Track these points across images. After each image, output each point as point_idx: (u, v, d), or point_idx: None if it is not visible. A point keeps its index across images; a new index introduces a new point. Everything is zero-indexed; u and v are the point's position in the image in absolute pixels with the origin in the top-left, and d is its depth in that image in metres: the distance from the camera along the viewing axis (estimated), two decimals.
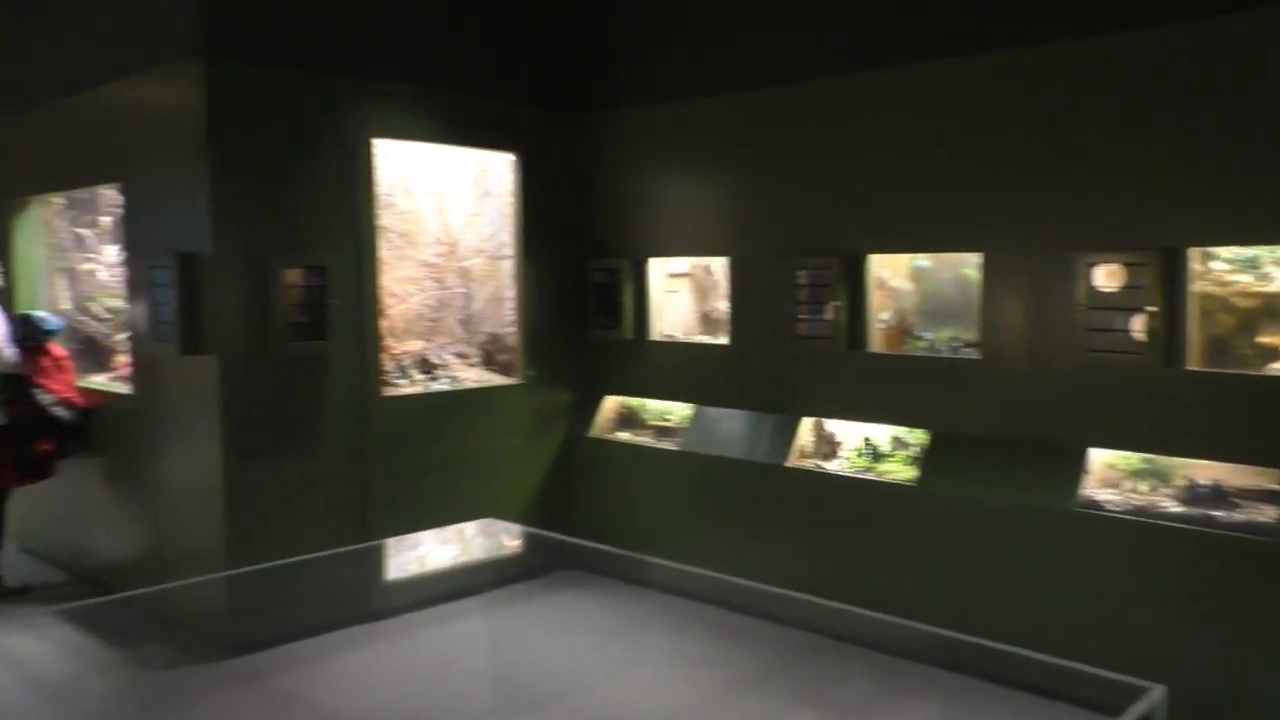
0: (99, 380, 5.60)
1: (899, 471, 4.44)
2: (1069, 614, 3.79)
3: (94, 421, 5.28)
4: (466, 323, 5.68)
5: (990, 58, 4.09)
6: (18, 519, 6.01)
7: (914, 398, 4.37)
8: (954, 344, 4.38)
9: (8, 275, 5.65)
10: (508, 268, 5.63)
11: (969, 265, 4.34)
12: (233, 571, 4.32)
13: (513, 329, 5.64)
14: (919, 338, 4.53)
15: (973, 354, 4.26)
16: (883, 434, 4.62)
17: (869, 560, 4.37)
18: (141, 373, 4.95)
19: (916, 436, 4.48)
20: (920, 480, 4.27)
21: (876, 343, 4.56)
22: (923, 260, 4.56)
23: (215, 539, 4.44)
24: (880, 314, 4.59)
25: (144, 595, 4.73)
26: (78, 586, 5.47)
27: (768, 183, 4.89)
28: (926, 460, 4.30)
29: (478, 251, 5.66)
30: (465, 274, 5.64)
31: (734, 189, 5.06)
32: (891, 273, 4.62)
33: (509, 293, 5.64)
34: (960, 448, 4.21)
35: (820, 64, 4.64)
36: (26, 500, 5.94)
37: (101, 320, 5.90)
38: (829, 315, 4.52)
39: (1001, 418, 4.11)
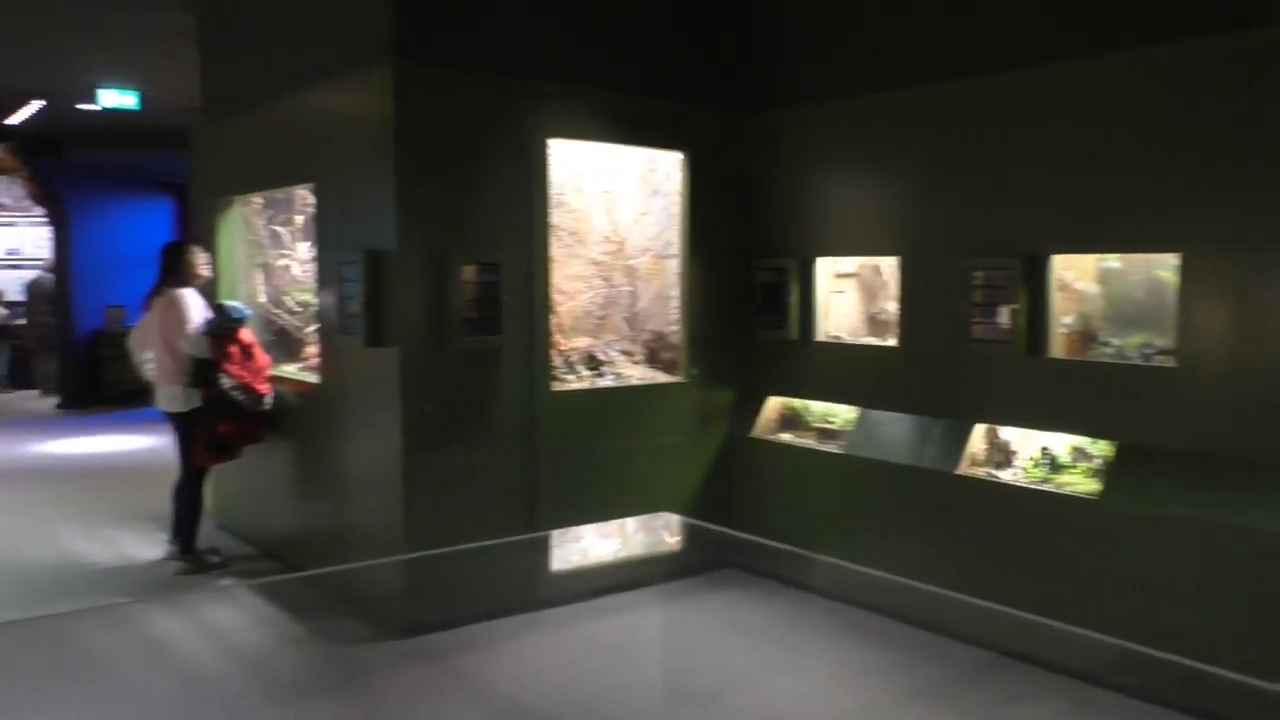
0: (290, 369, 5.96)
1: (1080, 484, 4.23)
2: (1277, 642, 3.52)
3: (268, 407, 5.60)
4: (632, 320, 5.75)
5: (1196, 42, 3.83)
6: (215, 497, 6.50)
7: (1099, 407, 4.15)
8: (1145, 350, 4.14)
9: (213, 269, 6.06)
10: (673, 266, 5.66)
11: (1163, 267, 4.09)
12: (412, 555, 4.52)
13: (677, 327, 5.67)
14: (1105, 343, 4.30)
15: (1166, 361, 4.00)
16: (1061, 444, 4.41)
17: (1045, 576, 4.18)
18: (329, 363, 5.24)
19: (1100, 448, 4.26)
20: (1105, 494, 4.05)
21: (1058, 348, 4.36)
22: (1112, 261, 4.32)
23: (394, 522, 4.65)
24: (1063, 318, 4.37)
25: (329, 574, 5.03)
26: (265, 562, 5.85)
27: (943, 179, 4.74)
28: (1112, 473, 4.08)
29: (644, 250, 5.72)
30: (631, 272, 5.71)
31: (906, 186, 4.93)
32: (1076, 274, 4.39)
33: (674, 291, 5.67)
34: (1151, 461, 3.97)
35: (1002, 56, 4.46)
36: (222, 480, 6.40)
37: (293, 313, 6.28)
38: (1006, 318, 4.35)
39: (1198, 430, 3.85)
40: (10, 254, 14.67)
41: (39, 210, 13.21)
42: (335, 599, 5.06)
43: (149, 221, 12.19)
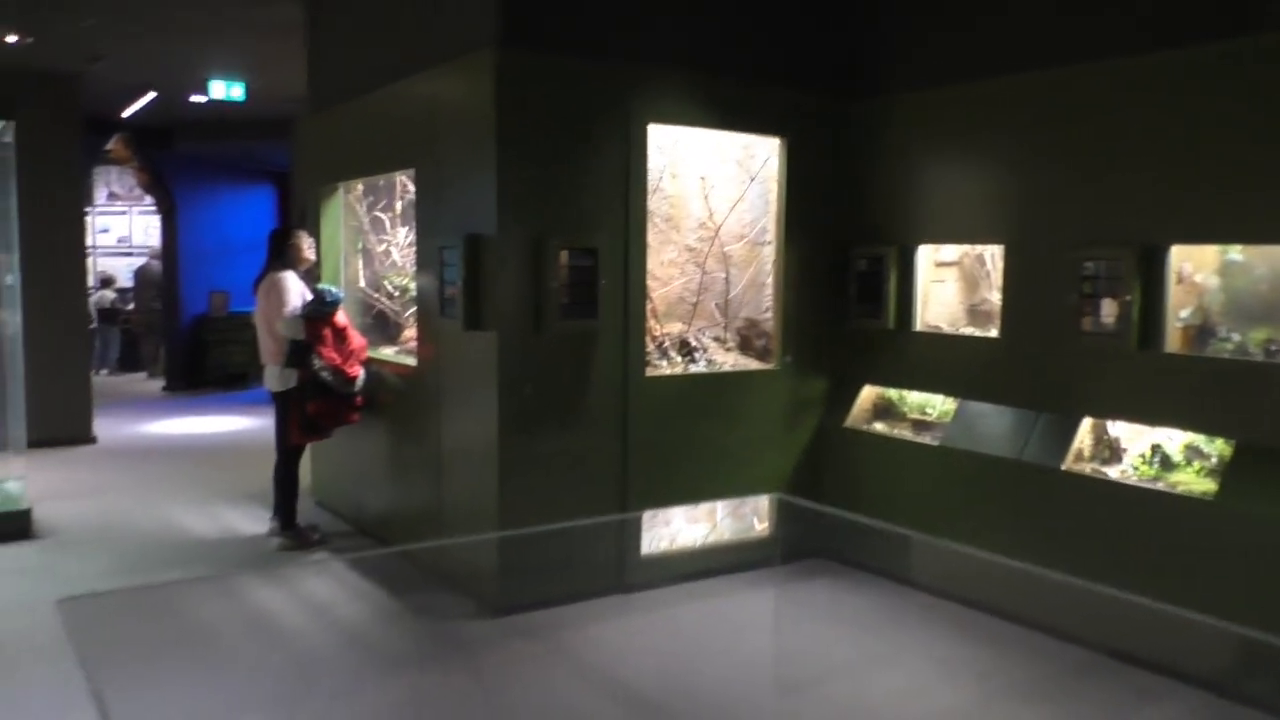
0: (387, 352, 6.09)
1: (1193, 483, 4.07)
2: None
3: (358, 390, 5.71)
4: (724, 307, 5.72)
5: None
6: (314, 476, 6.68)
7: (1217, 404, 3.98)
8: (1270, 347, 3.96)
9: (317, 253, 6.21)
10: (768, 253, 5.62)
11: None
12: (506, 533, 4.57)
13: (770, 314, 5.63)
14: (1225, 339, 4.13)
15: None
16: (1174, 441, 4.25)
17: (1155, 577, 4.03)
18: (427, 346, 5.34)
19: (1216, 446, 4.09)
20: (1221, 495, 3.89)
21: (1173, 342, 4.19)
22: (1235, 253, 4.14)
23: (488, 503, 4.72)
24: (1180, 311, 4.21)
25: (425, 549, 5.13)
26: (362, 539, 6.00)
27: (1053, 166, 4.59)
28: (1230, 472, 3.91)
29: (739, 237, 5.69)
30: (725, 259, 5.68)
31: (1014, 172, 4.79)
32: (1194, 266, 4.22)
33: (768, 278, 5.63)
34: (1271, 462, 3.79)
35: (1118, 39, 4.31)
36: (321, 459, 6.58)
37: (391, 297, 6.41)
38: (1118, 310, 4.20)
39: None
40: (121, 242, 15.30)
41: (148, 199, 13.75)
42: (431, 576, 5.15)
43: (252, 209, 12.61)
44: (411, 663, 4.28)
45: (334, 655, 4.38)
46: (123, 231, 15.34)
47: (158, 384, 12.82)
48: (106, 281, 14.13)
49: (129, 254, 15.07)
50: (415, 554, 5.34)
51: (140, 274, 13.92)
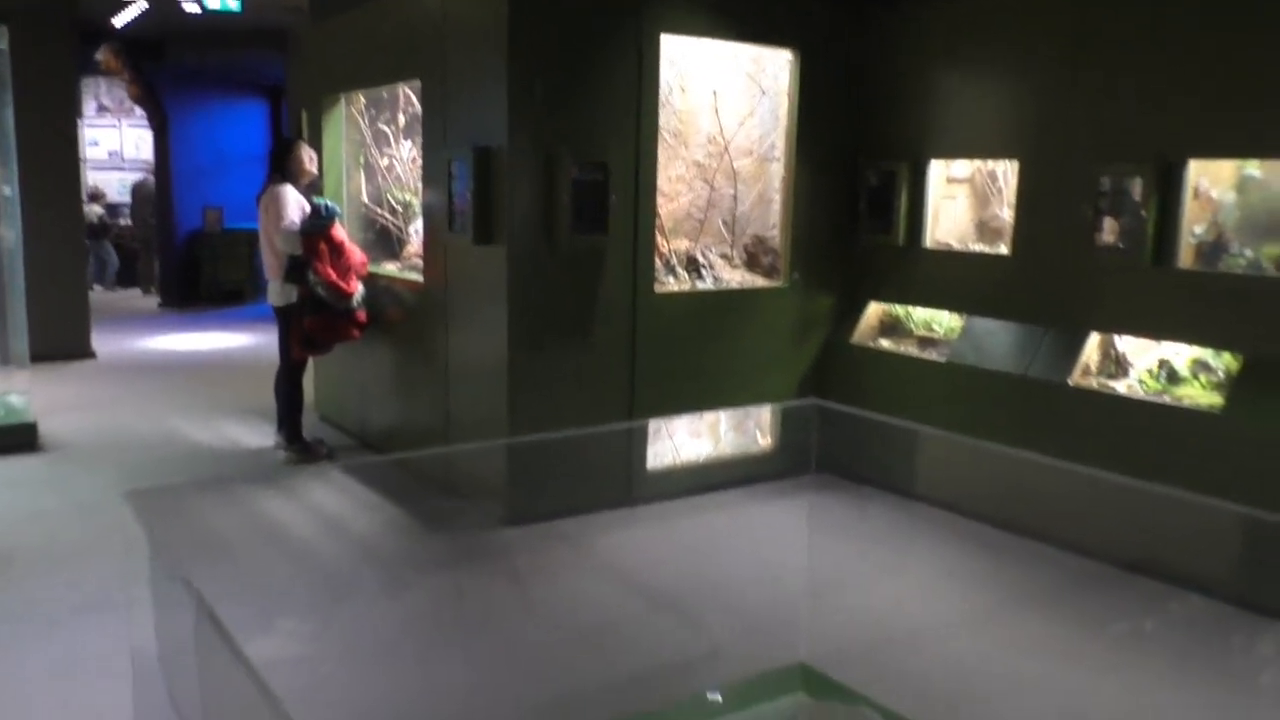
0: (390, 268, 6.06)
1: (1200, 397, 4.11)
2: None
3: (356, 306, 5.68)
4: (731, 224, 5.69)
5: None
6: (318, 391, 6.69)
7: (1228, 318, 4.00)
8: None
9: (319, 166, 6.13)
10: (776, 170, 5.56)
11: None
12: (511, 440, 4.60)
13: (776, 232, 5.60)
14: (1238, 255, 4.13)
15: None
16: (1181, 356, 4.28)
17: None
18: (434, 261, 5.30)
19: (1223, 361, 4.12)
20: (1227, 408, 3.93)
21: (1186, 259, 4.20)
22: (1253, 169, 4.12)
23: (497, 418, 4.74)
24: (1194, 227, 4.20)
25: (433, 464, 5.17)
26: (367, 454, 6.04)
27: (1069, 77, 4.53)
28: (1237, 386, 3.95)
29: (746, 153, 5.62)
30: (733, 175, 5.62)
31: (1030, 86, 4.73)
32: (1211, 181, 4.20)
33: (776, 195, 5.59)
34: (1279, 375, 3.83)
35: None
36: (325, 374, 6.59)
37: (394, 212, 6.35)
38: (1133, 226, 4.19)
39: None
40: (112, 156, 15.06)
41: (139, 112, 13.49)
42: (440, 489, 5.20)
43: (245, 124, 12.40)
44: (431, 571, 4.35)
45: (353, 565, 4.44)
46: (113, 145, 15.09)
47: (153, 301, 12.76)
48: (95, 196, 13.94)
49: (120, 169, 14.86)
50: (423, 468, 5.38)
51: (137, 190, 13.72)
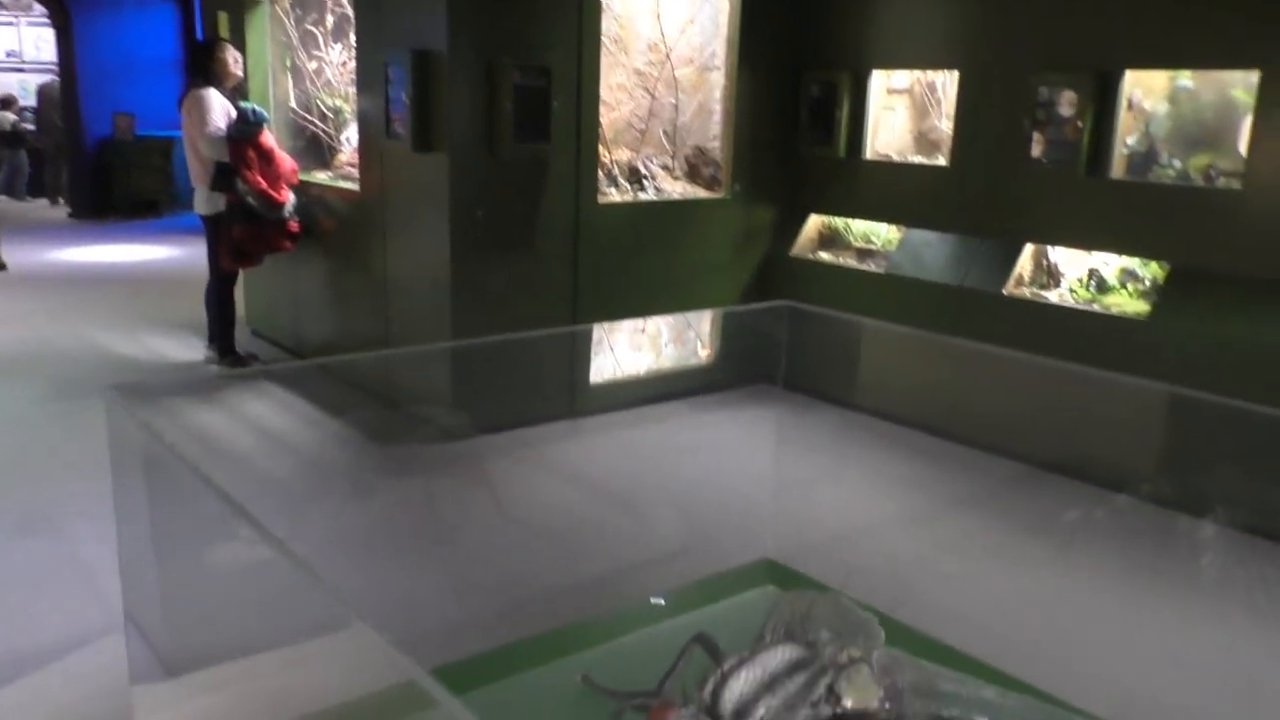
0: (321, 177, 5.89)
1: (1127, 305, 4.27)
2: None
3: (288, 215, 5.53)
4: (672, 135, 5.64)
5: None
6: (249, 304, 6.54)
7: (1156, 229, 4.14)
8: (1210, 172, 4.09)
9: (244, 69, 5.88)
10: (716, 79, 5.52)
11: (1239, 86, 3.99)
12: (456, 343, 4.57)
13: (717, 143, 5.58)
14: (1167, 166, 4.25)
15: (1232, 184, 3.97)
16: (1109, 266, 4.42)
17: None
18: (370, 169, 5.17)
19: (1150, 270, 4.28)
20: (1154, 315, 4.10)
21: (1118, 170, 4.31)
22: (1185, 79, 4.21)
23: (440, 330, 4.70)
24: (1126, 139, 4.30)
25: (376, 380, 5.11)
26: (299, 362, 5.95)
27: None
28: (1163, 294, 4.11)
29: (687, 61, 5.55)
30: (674, 84, 5.56)
31: None
32: (1144, 93, 4.30)
33: (717, 105, 5.55)
34: (1204, 283, 3.99)
35: None
36: (257, 286, 6.43)
37: (325, 119, 6.14)
38: (1069, 137, 4.28)
39: (1258, 255, 3.85)
40: (10, 56, 14.20)
41: (39, 9, 12.70)
42: (380, 402, 5.17)
43: (155, 25, 11.76)
44: (388, 479, 4.34)
45: (305, 476, 4.41)
46: (11, 44, 14.23)
47: (63, 212, 12.22)
48: (6, 102, 13.14)
49: (20, 70, 14.04)
50: (362, 381, 5.32)
51: (43, 92, 12.98)
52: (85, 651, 2.81)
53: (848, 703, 1.21)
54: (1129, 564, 3.55)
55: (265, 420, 5.07)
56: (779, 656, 1.22)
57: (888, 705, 1.23)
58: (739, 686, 1.18)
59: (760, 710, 1.17)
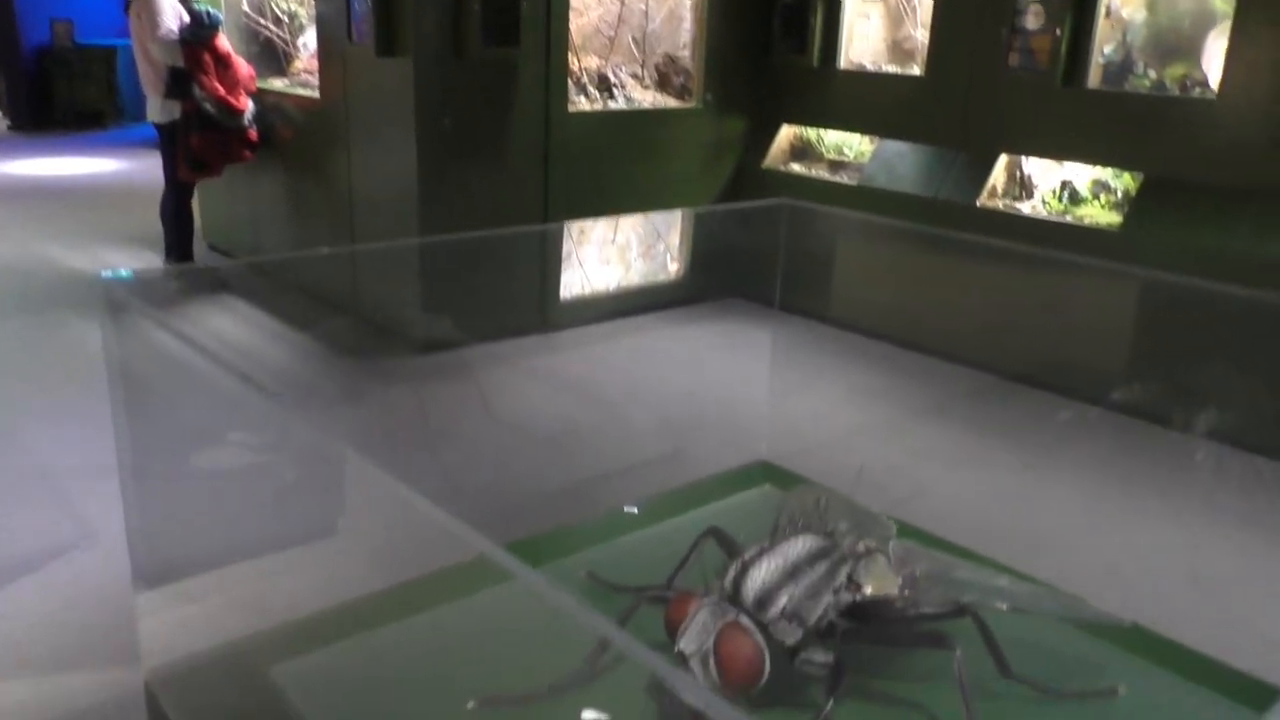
0: (277, 84, 5.68)
1: (1099, 216, 4.29)
2: None
3: (247, 124, 5.35)
4: (642, 42, 5.51)
5: None
6: (206, 218, 6.36)
7: (1131, 138, 4.13)
8: (1186, 82, 4.08)
9: None
10: None
11: None
12: (426, 239, 4.49)
13: (687, 51, 5.46)
14: (1143, 76, 4.23)
15: (1207, 94, 3.97)
16: (1082, 177, 4.43)
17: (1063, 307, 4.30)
18: (331, 76, 4.99)
19: (1123, 181, 4.29)
20: (1125, 226, 4.12)
21: (1095, 79, 4.28)
22: None
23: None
24: (1104, 47, 4.27)
25: (340, 292, 5.01)
26: (263, 281, 5.80)
27: None
28: (1135, 204, 4.13)
29: None
30: None
31: None
32: (1122, 1, 4.25)
33: (687, 12, 5.41)
34: (1176, 193, 4.01)
35: None
36: (214, 200, 6.24)
37: (280, 23, 5.91)
38: (1048, 46, 4.23)
39: (1231, 165, 3.87)
40: None
41: None
42: (344, 316, 5.08)
43: None
44: (370, 388, 4.28)
45: (282, 387, 4.33)
46: None
47: (2, 124, 11.73)
48: None
49: None
50: (327, 295, 5.21)
51: None
52: (58, 564, 2.77)
53: (868, 590, 1.22)
54: (1101, 470, 3.62)
55: (228, 333, 4.97)
56: (800, 546, 1.22)
57: (907, 592, 1.24)
58: (761, 575, 1.18)
59: (783, 599, 1.18)
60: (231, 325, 5.07)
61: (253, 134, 5.39)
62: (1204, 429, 3.43)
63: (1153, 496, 3.43)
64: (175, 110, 5.31)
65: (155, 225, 5.70)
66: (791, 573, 1.18)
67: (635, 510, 1.92)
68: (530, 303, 4.94)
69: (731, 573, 1.19)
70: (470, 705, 1.28)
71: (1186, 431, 3.63)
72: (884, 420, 4.18)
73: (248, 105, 5.33)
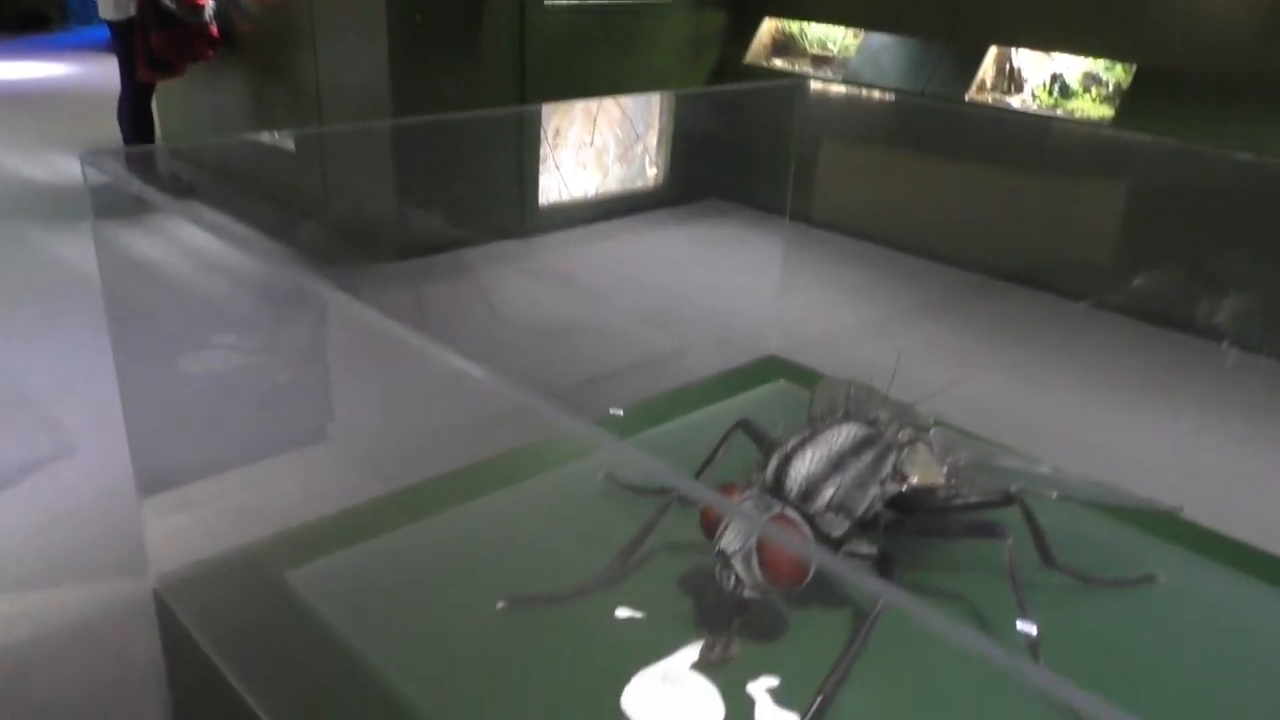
0: None
1: (1091, 109, 4.22)
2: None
3: (209, 20, 5.10)
4: None
5: None
6: (166, 121, 6.11)
7: (1124, 28, 4.04)
8: None
9: None
10: None
11: None
12: (396, 120, 4.35)
13: None
14: None
15: None
16: (1071, 70, 4.34)
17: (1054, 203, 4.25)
18: None
19: (1114, 73, 4.20)
20: (1117, 118, 4.05)
21: None
22: None
23: (380, 146, 4.44)
24: None
25: (309, 200, 4.85)
26: (229, 187, 5.62)
27: None
28: (1128, 96, 4.05)
29: None
30: None
31: None
32: None
33: None
34: (1168, 85, 3.94)
35: None
36: (174, 101, 5.99)
37: None
38: None
39: (1225, 53, 3.79)
40: None
41: None
42: (315, 221, 4.94)
43: None
44: (361, 291, 4.17)
45: (265, 290, 4.21)
46: None
47: None
48: None
49: None
50: (294, 201, 5.05)
51: None
52: (39, 477, 2.70)
53: (914, 479, 1.18)
54: (1089, 367, 3.62)
55: (197, 242, 4.80)
56: (844, 435, 1.18)
57: (952, 482, 1.21)
58: (805, 466, 1.13)
59: (829, 490, 1.14)
60: (195, 232, 4.90)
61: (214, 30, 5.13)
62: (1203, 324, 3.43)
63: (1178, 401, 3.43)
64: (130, 6, 5.04)
65: (112, 130, 5.46)
66: (837, 463, 1.14)
67: (620, 413, 1.87)
68: (506, 208, 4.82)
69: (774, 463, 1.15)
70: (500, 605, 1.25)
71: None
72: (870, 318, 4.15)
73: (209, 0, 5.07)
